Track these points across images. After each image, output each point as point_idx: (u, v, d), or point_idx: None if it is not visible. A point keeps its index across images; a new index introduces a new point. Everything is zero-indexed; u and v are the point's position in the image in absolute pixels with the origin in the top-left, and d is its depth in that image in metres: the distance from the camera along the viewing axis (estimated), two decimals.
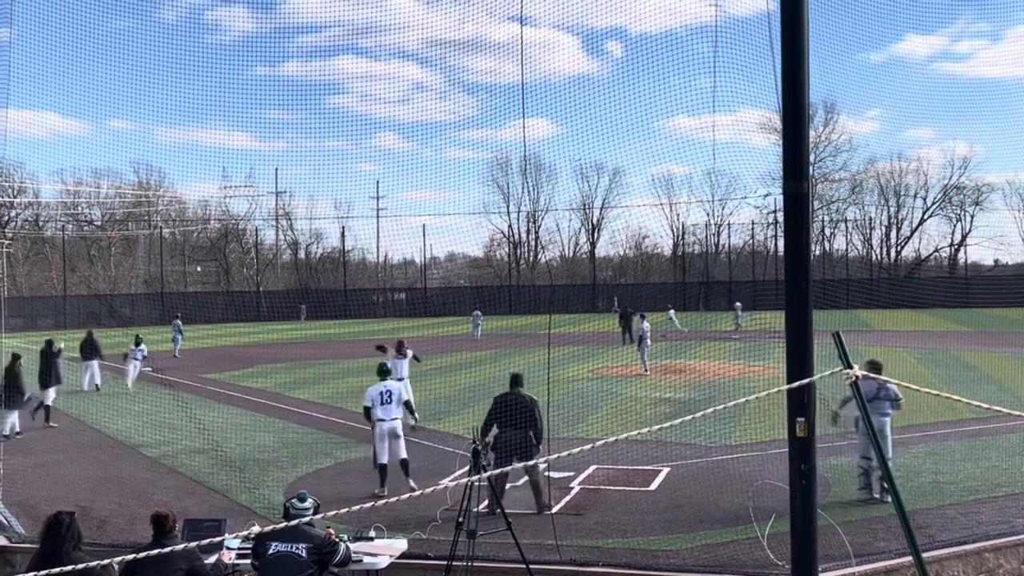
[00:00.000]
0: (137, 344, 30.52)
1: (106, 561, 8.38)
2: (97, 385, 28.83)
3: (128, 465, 17.19)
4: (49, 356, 23.23)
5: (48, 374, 22.78)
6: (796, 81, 8.05)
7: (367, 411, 14.94)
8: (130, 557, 7.69)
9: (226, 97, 15.66)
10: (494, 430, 13.25)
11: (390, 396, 14.83)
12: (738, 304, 56.85)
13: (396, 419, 14.77)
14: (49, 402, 22.48)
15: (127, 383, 29.38)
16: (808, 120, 8.26)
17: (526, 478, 13.49)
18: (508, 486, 13.45)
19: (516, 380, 13.95)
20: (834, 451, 15.25)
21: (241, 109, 16.42)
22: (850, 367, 5.49)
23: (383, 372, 15.68)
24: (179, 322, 43.43)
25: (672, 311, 51.81)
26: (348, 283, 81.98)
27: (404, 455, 14.78)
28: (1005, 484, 14.02)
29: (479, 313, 51.60)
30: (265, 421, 22.03)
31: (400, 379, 19.98)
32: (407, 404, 15.74)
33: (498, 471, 12.01)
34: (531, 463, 12.25)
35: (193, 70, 15.37)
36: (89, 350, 29.12)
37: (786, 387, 7.41)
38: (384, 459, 14.58)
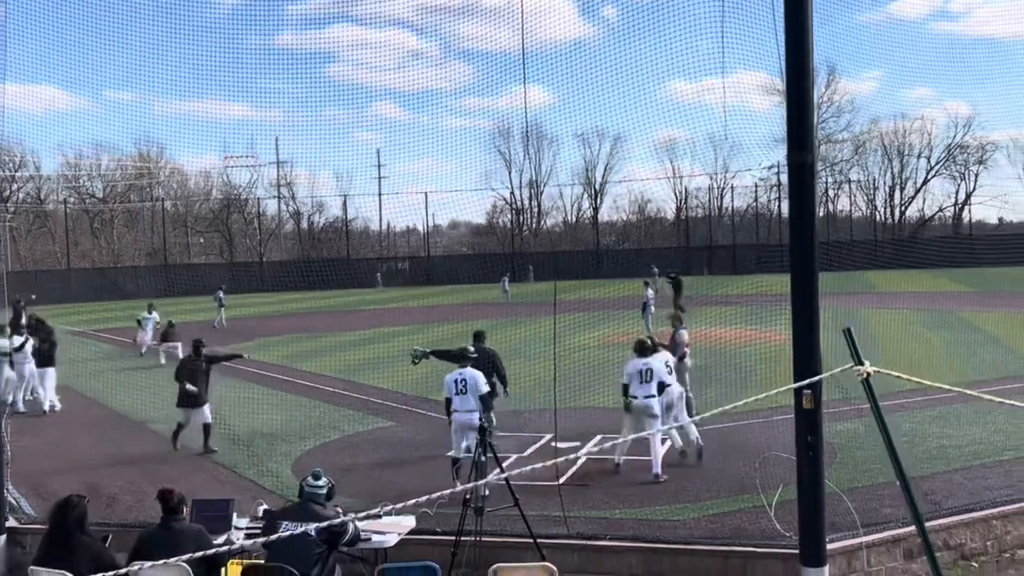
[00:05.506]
0: (150, 311, 31.18)
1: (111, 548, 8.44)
2: None
3: (136, 441, 17.26)
4: (196, 362, 16.88)
5: (196, 385, 16.45)
6: (800, 51, 7.96)
7: (448, 402, 13.40)
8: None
9: (222, 68, 15.55)
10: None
11: (465, 385, 13.21)
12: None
13: (473, 411, 13.02)
14: (208, 420, 16.49)
15: (140, 349, 30.52)
16: (812, 90, 8.17)
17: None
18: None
19: (478, 336, 15.40)
20: (839, 416, 15.22)
21: (238, 80, 16.30)
22: (861, 363, 5.43)
23: (463, 357, 13.89)
24: (222, 293, 43.29)
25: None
26: (351, 253, 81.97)
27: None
28: (1011, 448, 14.04)
29: (506, 279, 55.20)
30: (270, 394, 22.06)
31: None
32: None
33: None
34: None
35: (188, 41, 15.25)
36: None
37: (794, 384, 7.39)
38: (457, 453, 13.18)
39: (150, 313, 31.47)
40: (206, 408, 16.35)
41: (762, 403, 17.52)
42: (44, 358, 20.78)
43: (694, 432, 14.22)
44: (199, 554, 5.80)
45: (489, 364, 14.65)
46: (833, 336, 9.65)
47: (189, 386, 16.24)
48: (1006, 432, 15.13)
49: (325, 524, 7.92)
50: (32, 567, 7.93)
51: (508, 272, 57.84)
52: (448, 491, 4.67)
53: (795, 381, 8.34)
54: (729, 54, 10.59)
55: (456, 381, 13.27)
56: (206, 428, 16.24)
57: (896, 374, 5.89)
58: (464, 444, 13.02)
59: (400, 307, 49.81)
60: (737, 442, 15.07)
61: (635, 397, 13.62)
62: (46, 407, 20.39)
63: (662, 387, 13.72)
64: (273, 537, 7.24)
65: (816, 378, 7.01)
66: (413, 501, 5.05)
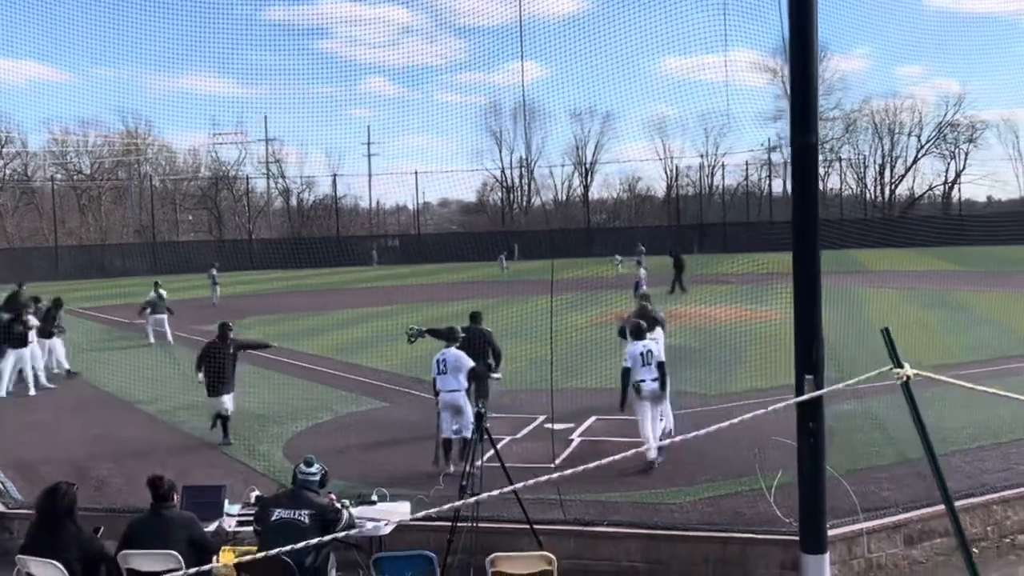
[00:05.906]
0: (156, 290, 30.62)
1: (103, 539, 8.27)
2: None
3: (125, 422, 17.07)
4: (224, 348, 15.64)
5: (223, 372, 15.34)
6: (804, 32, 7.77)
7: (434, 382, 13.37)
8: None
9: (210, 43, 15.27)
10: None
11: (445, 365, 13.16)
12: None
13: (455, 391, 13.06)
14: (229, 411, 15.42)
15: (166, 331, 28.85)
16: (817, 72, 8.00)
17: None
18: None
19: (474, 317, 15.12)
20: (837, 397, 15.11)
21: (226, 55, 16.03)
22: (900, 366, 5.24)
23: (450, 336, 13.67)
24: (215, 271, 43.43)
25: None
26: (341, 230, 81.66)
27: (468, 434, 12.29)
28: (1008, 431, 13.95)
29: (503, 257, 56.53)
30: (261, 374, 21.82)
31: None
32: None
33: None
34: None
35: (176, 14, 14.95)
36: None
37: (825, 390, 7.20)
38: (446, 433, 13.18)
39: (155, 292, 30.65)
40: (226, 397, 15.28)
41: (759, 385, 17.47)
42: (15, 339, 20.09)
43: (670, 422, 14.05)
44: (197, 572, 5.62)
45: (484, 344, 14.50)
46: (830, 315, 9.55)
47: (200, 375, 15.32)
48: (1002, 416, 15.04)
49: (318, 510, 7.77)
50: (19, 556, 7.78)
51: (505, 249, 58.26)
52: (459, 502, 4.50)
53: (797, 365, 8.24)
54: (730, 32, 10.43)
55: (438, 361, 13.25)
56: (224, 416, 15.31)
57: (936, 376, 5.67)
58: (455, 426, 13.00)
59: (392, 286, 49.61)
60: (732, 425, 14.94)
61: (643, 381, 13.32)
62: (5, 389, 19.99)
63: (662, 366, 13.47)
64: (275, 552, 6.91)
65: (854, 380, 6.76)
66: (435, 510, 4.89)
